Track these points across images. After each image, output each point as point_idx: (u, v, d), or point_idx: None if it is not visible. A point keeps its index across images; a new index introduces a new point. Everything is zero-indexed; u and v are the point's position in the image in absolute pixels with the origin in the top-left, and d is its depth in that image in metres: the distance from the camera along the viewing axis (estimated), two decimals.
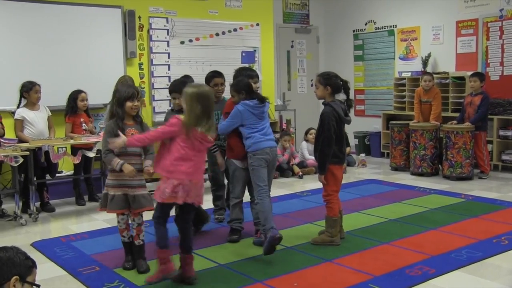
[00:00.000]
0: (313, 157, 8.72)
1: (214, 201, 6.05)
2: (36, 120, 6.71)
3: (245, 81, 5.07)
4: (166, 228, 4.16)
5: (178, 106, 5.02)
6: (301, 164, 8.89)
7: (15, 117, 6.67)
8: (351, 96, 5.12)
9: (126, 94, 4.34)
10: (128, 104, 4.33)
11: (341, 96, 5.04)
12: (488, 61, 9.00)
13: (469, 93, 8.40)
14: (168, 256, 4.14)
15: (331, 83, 4.90)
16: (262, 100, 5.00)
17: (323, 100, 5.01)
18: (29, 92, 6.64)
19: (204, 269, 4.46)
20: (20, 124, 6.63)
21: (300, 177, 8.61)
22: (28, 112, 6.67)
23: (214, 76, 5.74)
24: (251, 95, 4.99)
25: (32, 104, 6.71)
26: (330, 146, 4.85)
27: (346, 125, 5.06)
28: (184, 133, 3.95)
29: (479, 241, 5.02)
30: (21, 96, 6.70)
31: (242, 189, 5.18)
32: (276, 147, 5.07)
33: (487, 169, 8.19)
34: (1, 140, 6.56)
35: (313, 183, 8.03)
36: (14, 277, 2.38)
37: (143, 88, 8.65)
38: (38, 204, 6.70)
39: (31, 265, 2.50)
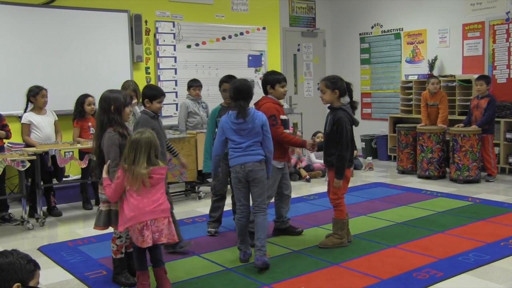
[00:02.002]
0: (320, 161, 8.77)
1: (210, 212, 5.67)
2: (43, 125, 6.74)
3: (247, 85, 4.60)
4: (145, 255, 4.01)
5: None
6: (308, 168, 8.89)
7: (22, 121, 6.70)
8: (358, 99, 5.09)
9: (124, 99, 4.18)
10: (127, 110, 4.20)
11: (345, 99, 5.02)
12: (495, 64, 8.98)
13: (475, 96, 8.38)
14: (147, 279, 4.04)
15: (338, 86, 4.88)
16: (243, 115, 4.47)
17: (329, 105, 4.99)
18: (36, 97, 6.66)
19: (211, 273, 4.46)
20: (27, 129, 6.65)
21: (307, 180, 8.61)
22: (35, 117, 6.69)
23: (224, 81, 5.60)
24: (243, 103, 4.50)
25: (39, 109, 6.74)
26: (348, 150, 4.86)
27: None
28: (127, 177, 3.82)
29: (486, 244, 5.00)
30: (28, 100, 6.72)
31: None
32: (252, 162, 4.49)
33: (494, 172, 8.16)
34: (8, 144, 6.58)
35: (320, 186, 8.02)
36: (16, 284, 2.32)
37: None
38: (45, 208, 6.73)
39: (33, 269, 2.42)
